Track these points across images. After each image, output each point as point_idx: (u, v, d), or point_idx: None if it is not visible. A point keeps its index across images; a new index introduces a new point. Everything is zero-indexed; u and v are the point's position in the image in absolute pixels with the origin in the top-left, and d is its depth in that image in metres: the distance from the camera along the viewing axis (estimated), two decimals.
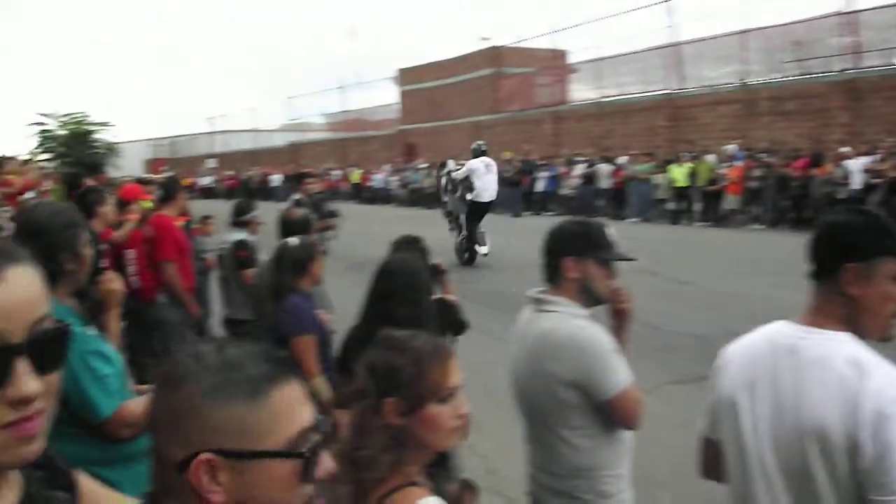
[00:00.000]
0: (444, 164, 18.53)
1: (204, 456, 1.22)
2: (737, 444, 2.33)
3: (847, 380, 2.09)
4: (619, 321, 3.18)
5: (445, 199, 17.12)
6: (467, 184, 15.99)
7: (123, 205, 7.64)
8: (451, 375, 2.06)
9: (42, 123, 16.36)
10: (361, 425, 2.05)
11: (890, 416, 2.02)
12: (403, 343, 2.10)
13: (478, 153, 16.48)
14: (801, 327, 2.26)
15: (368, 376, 2.08)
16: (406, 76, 47.59)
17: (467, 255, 15.84)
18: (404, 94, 47.86)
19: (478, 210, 15.90)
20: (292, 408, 1.27)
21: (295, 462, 1.25)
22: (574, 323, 2.97)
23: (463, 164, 16.83)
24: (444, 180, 17.59)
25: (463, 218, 16.07)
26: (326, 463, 1.31)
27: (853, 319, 2.20)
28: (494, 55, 40.85)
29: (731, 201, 22.34)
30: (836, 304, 2.21)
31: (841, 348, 2.15)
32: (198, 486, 1.22)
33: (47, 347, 1.17)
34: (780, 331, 2.32)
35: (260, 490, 1.24)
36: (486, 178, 15.94)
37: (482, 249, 15.69)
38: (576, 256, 3.03)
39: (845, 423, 2.06)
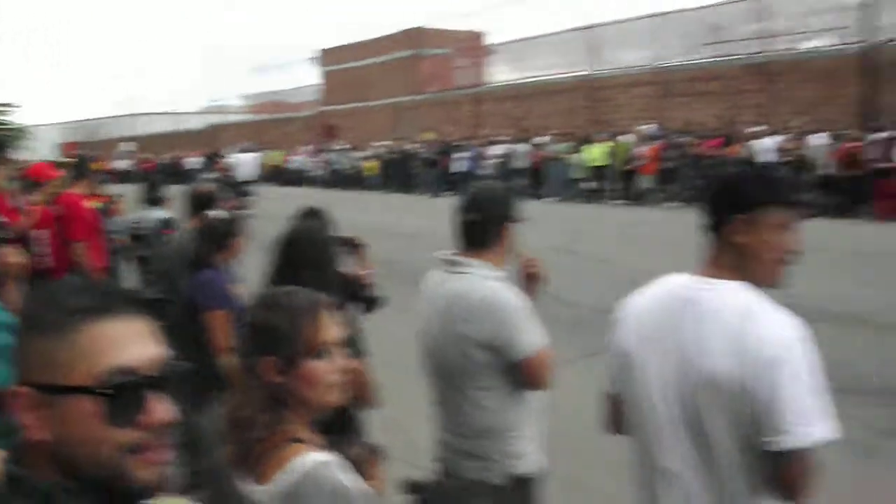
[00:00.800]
0: (224, 152, 33.11)
1: (13, 388, 1.18)
2: (639, 397, 2.32)
3: (734, 327, 2.13)
4: (529, 284, 3.23)
5: (230, 173, 26.84)
6: (234, 168, 27.06)
7: (32, 185, 7.42)
8: (326, 330, 2.02)
9: None
10: (241, 385, 2.04)
11: (775, 360, 2.07)
12: (279, 300, 2.07)
13: (246, 150, 30.56)
14: (699, 279, 2.30)
15: (248, 336, 2.08)
16: (328, 57, 47.00)
17: None
18: (326, 75, 47.31)
19: (242, 183, 25.57)
20: (108, 343, 1.18)
21: (97, 401, 1.16)
22: (488, 284, 3.00)
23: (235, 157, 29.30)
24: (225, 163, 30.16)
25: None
26: (158, 410, 1.20)
27: (743, 268, 2.25)
28: (414, 36, 40.60)
29: (645, 180, 22.68)
30: (727, 254, 2.27)
31: (733, 297, 2.19)
32: (19, 420, 1.17)
33: None
34: (679, 283, 2.34)
35: (67, 428, 1.16)
36: (246, 166, 27.29)
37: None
38: (511, 222, 3.13)
39: (735, 370, 2.10)
